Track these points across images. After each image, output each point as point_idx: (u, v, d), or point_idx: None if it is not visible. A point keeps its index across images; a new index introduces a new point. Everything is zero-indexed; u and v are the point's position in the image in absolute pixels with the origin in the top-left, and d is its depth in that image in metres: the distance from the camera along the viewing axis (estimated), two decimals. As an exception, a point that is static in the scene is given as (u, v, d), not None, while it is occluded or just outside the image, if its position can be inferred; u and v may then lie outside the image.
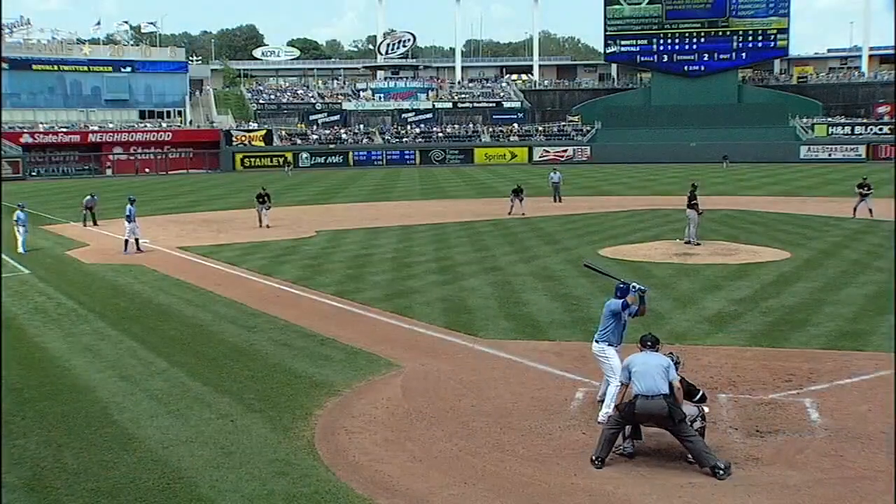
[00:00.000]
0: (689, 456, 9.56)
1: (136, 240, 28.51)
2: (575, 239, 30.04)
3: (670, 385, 9.62)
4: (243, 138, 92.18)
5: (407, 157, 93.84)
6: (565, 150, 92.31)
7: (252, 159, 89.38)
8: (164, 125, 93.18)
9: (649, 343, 10.09)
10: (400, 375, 13.47)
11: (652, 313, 17.19)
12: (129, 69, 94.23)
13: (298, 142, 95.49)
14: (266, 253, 27.95)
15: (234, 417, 11.51)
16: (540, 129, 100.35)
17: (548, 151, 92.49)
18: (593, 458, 9.72)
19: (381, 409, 11.81)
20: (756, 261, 24.16)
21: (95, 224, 37.61)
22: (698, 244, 26.71)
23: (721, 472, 9.28)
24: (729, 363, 13.76)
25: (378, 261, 25.81)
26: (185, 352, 15.17)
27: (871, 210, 33.92)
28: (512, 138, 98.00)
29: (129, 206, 28.93)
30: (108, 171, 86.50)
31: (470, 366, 14.00)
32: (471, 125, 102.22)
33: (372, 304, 19.11)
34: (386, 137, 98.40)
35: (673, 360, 9.99)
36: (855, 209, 34.34)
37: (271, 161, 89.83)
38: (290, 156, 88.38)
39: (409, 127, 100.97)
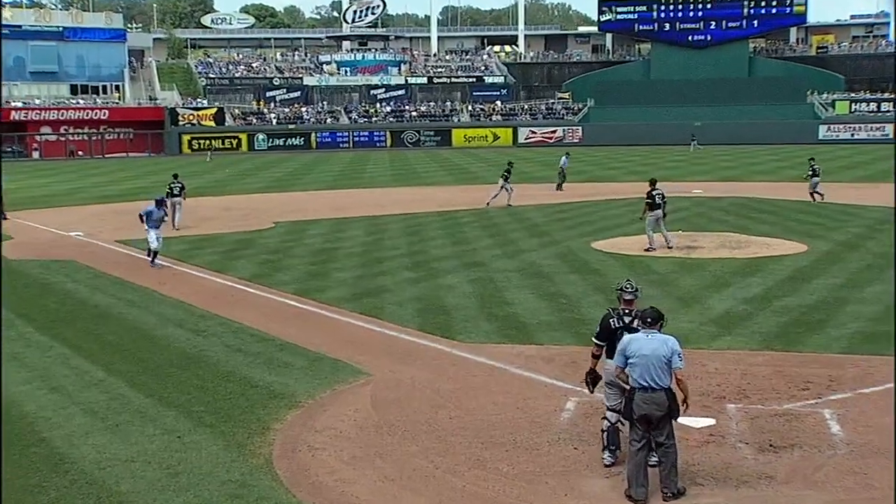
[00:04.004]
0: (661, 469, 9.39)
1: (155, 251, 24.44)
2: (565, 231, 30.10)
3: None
4: (191, 117, 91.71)
5: (376, 138, 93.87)
6: (554, 131, 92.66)
7: (201, 141, 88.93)
8: (99, 102, 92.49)
9: (650, 320, 9.57)
10: (369, 384, 13.44)
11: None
12: (57, 37, 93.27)
13: (254, 121, 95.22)
14: (217, 247, 27.81)
15: (182, 433, 11.43)
16: (526, 107, 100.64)
17: (534, 132, 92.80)
18: (631, 496, 9.32)
19: (347, 423, 11.77)
20: (768, 254, 24.31)
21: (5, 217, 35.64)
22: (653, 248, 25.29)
23: (674, 496, 9.26)
24: (738, 369, 13.80)
25: (344, 255, 25.75)
26: (125, 359, 15.04)
27: (817, 194, 36.67)
28: (494, 118, 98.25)
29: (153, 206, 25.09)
30: (36, 154, 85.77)
31: (448, 373, 13.99)
32: (448, 103, 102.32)
33: (337, 305, 19.07)
34: (353, 117, 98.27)
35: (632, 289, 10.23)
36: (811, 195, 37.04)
37: (223, 143, 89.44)
38: (246, 137, 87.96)
39: (378, 105, 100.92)
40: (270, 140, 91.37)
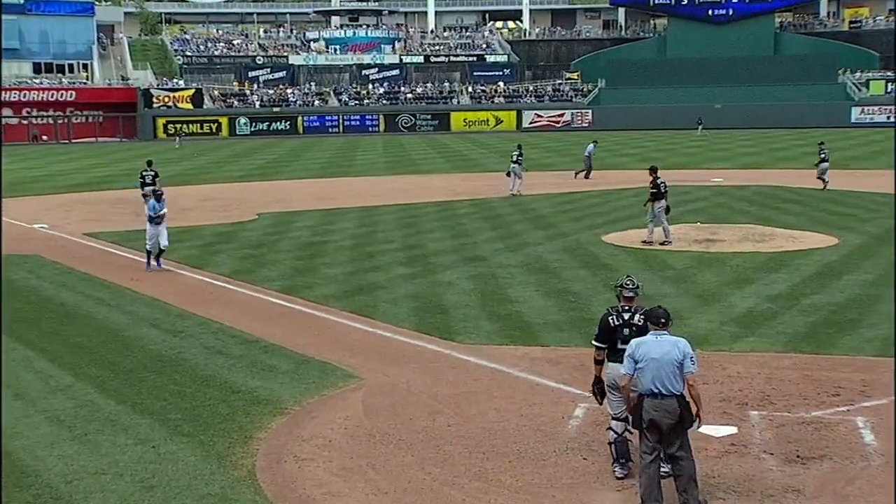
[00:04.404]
0: (677, 483, 9.37)
1: (158, 252, 23.39)
2: (573, 222, 30.12)
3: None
4: (166, 99, 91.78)
5: (368, 123, 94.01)
6: (561, 115, 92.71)
7: (177, 125, 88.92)
8: (65, 82, 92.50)
9: (662, 321, 9.47)
10: (361, 389, 13.43)
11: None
12: (18, 10, 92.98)
13: (235, 104, 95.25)
14: (196, 240, 27.81)
15: (157, 443, 11.42)
16: (530, 88, 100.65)
17: (540, 116, 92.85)
18: None
19: (337, 431, 11.77)
20: (795, 248, 24.31)
21: None
22: (649, 241, 25.27)
23: None
24: (762, 373, 13.78)
25: (334, 250, 25.75)
26: (95, 363, 15.00)
27: (823, 180, 37.83)
28: (497, 100, 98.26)
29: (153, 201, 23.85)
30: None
31: (446, 377, 13.98)
32: (446, 84, 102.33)
33: (326, 303, 19.09)
34: (343, 99, 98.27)
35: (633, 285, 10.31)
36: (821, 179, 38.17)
37: (201, 128, 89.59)
38: (227, 121, 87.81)
39: (371, 86, 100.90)
40: (253, 124, 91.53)
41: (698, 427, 9.52)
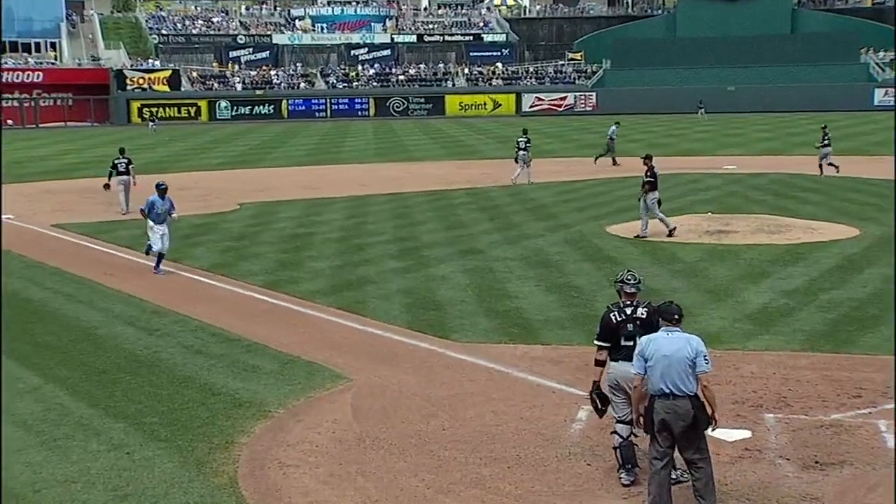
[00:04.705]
0: (694, 488, 9.42)
1: (160, 253, 22.30)
2: (576, 213, 30.17)
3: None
4: (141, 81, 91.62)
5: (358, 106, 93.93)
6: (563, 98, 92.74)
7: (153, 108, 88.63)
8: (32, 62, 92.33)
9: (675, 317, 9.51)
10: (350, 391, 13.45)
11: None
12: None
13: (215, 86, 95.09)
14: (174, 232, 27.57)
15: (131, 449, 11.40)
16: (531, 70, 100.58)
17: (541, 99, 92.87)
18: None
19: (325, 435, 11.77)
20: (813, 240, 24.34)
21: None
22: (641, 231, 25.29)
23: None
24: (778, 373, 13.81)
25: (321, 242, 25.80)
26: (65, 363, 15.01)
27: (834, 166, 38.31)
28: (494, 82, 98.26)
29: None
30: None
31: (440, 378, 14.01)
32: (441, 65, 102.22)
33: (313, 299, 19.12)
34: (330, 81, 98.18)
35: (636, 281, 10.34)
36: (820, 166, 38.86)
37: (179, 111, 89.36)
38: (206, 104, 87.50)
39: (360, 67, 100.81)
40: (234, 108, 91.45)
41: (713, 430, 9.50)
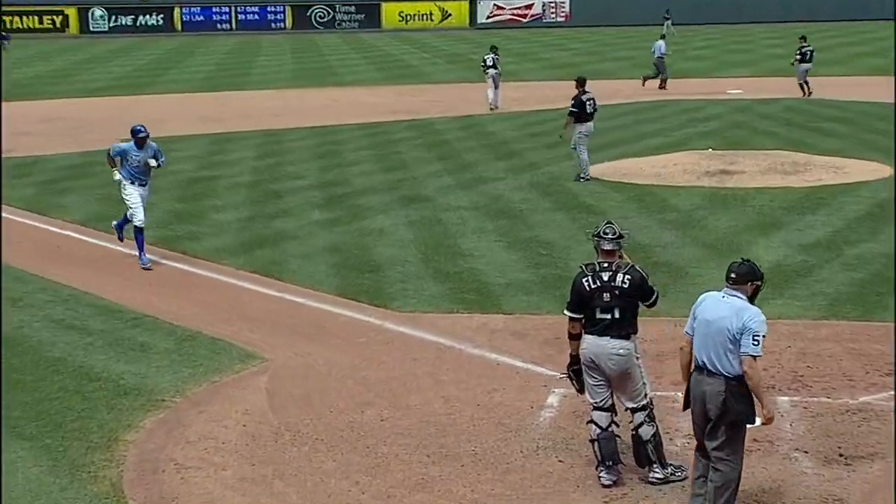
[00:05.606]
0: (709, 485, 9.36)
1: (137, 226, 19.19)
2: (544, 150, 29.94)
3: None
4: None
5: (271, 17, 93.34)
6: (529, 6, 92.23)
7: (6, 18, 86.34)
8: None
9: (733, 276, 9.30)
10: (265, 373, 13.43)
11: (669, 267, 17.20)
12: None
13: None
14: (37, 175, 27.78)
15: (-13, 450, 11.22)
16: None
17: (501, 8, 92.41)
18: None
19: (233, 430, 11.71)
20: (838, 181, 24.48)
21: None
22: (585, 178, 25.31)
23: None
24: (794, 347, 13.79)
25: (227, 188, 25.82)
26: None
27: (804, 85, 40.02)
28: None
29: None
30: None
31: (378, 356, 13.97)
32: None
33: (218, 259, 19.14)
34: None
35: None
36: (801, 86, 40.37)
37: (40, 21, 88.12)
38: (76, 13, 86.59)
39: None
40: (113, 18, 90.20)
41: (757, 424, 9.35)
